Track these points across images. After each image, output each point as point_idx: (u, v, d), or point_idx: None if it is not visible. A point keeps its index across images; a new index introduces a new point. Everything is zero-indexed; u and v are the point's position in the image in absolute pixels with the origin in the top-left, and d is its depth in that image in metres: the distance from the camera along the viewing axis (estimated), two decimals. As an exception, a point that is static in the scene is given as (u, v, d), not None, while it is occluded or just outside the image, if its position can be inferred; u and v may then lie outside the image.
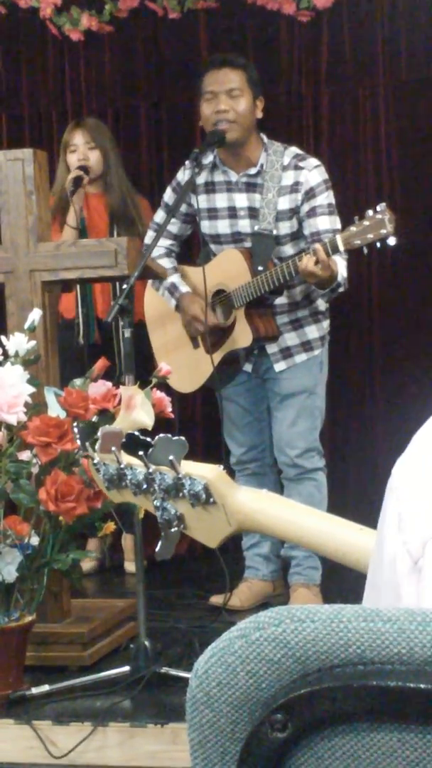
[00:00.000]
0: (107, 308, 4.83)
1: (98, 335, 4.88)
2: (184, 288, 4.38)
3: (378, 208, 3.79)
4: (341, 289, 4.07)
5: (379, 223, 3.77)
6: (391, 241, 3.78)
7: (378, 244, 3.80)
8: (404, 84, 5.58)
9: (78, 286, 4.77)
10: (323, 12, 5.52)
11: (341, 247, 3.83)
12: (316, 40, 5.63)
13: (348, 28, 5.59)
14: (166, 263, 4.40)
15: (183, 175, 4.34)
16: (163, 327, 4.55)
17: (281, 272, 4.04)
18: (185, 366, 4.40)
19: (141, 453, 1.40)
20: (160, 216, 4.45)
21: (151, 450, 1.39)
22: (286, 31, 5.64)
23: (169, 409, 3.47)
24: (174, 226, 4.42)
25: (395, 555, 0.98)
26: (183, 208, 4.35)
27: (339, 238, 3.83)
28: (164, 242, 4.41)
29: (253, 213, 4.27)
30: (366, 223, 3.79)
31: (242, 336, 4.25)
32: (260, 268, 4.16)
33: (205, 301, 4.24)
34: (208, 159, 4.30)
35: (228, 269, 4.25)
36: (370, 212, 3.79)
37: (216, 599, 4.34)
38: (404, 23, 5.52)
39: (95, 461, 1.50)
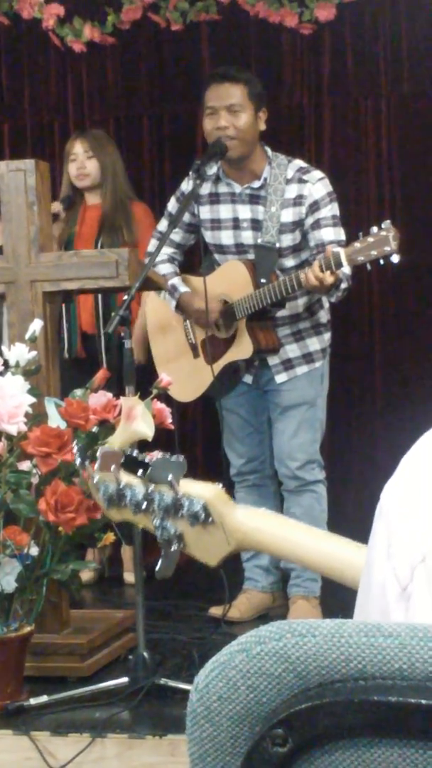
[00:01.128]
0: (91, 322, 4.87)
1: (81, 349, 4.90)
2: (183, 288, 4.39)
3: (383, 225, 3.79)
4: (344, 285, 4.05)
5: (384, 241, 3.77)
6: (395, 258, 3.78)
7: (381, 261, 3.81)
8: (406, 95, 5.60)
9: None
10: (325, 24, 5.53)
11: (345, 263, 3.83)
12: (318, 52, 5.65)
13: (350, 40, 5.61)
14: (168, 268, 4.42)
15: (187, 185, 4.34)
16: (164, 336, 4.56)
17: (284, 285, 4.04)
18: (185, 375, 4.40)
19: (140, 473, 1.40)
20: (163, 225, 4.46)
21: (149, 470, 1.39)
22: (288, 44, 5.65)
23: (170, 420, 3.47)
24: (177, 235, 4.43)
25: (384, 581, 0.98)
26: (186, 217, 4.36)
27: (342, 254, 3.83)
28: (166, 250, 4.42)
29: (255, 225, 4.27)
30: (370, 239, 3.79)
31: (243, 348, 4.26)
32: (263, 280, 4.17)
33: (206, 311, 4.24)
34: (212, 170, 4.30)
35: (231, 280, 4.26)
36: (375, 229, 3.80)
37: (215, 610, 4.33)
38: (406, 35, 5.54)
39: (95, 480, 1.50)
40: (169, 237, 4.20)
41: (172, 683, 3.38)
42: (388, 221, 3.83)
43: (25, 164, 3.77)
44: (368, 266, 3.86)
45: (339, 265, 3.84)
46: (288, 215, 4.21)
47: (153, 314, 4.61)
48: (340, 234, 4.14)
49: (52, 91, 5.95)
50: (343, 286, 4.04)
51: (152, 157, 5.87)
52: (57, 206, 4.81)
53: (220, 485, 1.40)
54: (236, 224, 4.31)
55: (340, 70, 5.65)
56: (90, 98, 5.92)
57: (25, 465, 3.31)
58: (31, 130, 5.99)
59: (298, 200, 4.20)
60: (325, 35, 5.60)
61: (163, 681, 3.38)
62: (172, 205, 4.44)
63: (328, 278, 3.85)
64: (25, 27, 5.84)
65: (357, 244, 3.82)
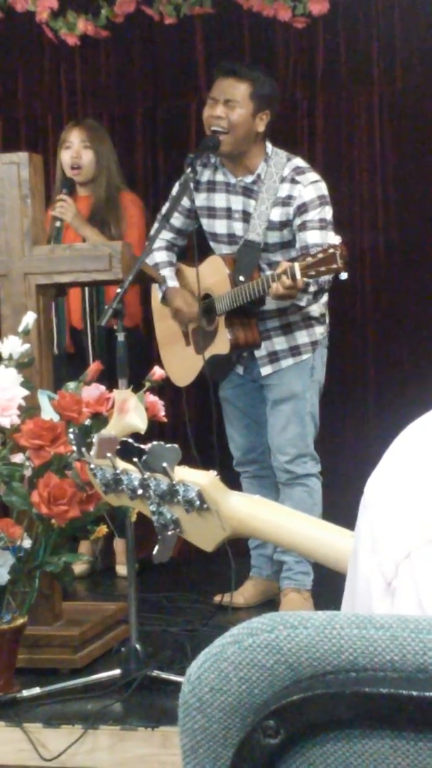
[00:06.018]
0: (80, 317, 4.85)
1: (70, 344, 4.88)
2: (171, 282, 4.43)
3: (331, 242, 3.94)
4: (312, 288, 4.07)
5: (331, 258, 3.86)
6: (343, 275, 3.88)
7: (330, 277, 3.97)
8: (399, 90, 5.59)
9: None
10: (318, 18, 5.52)
11: (298, 276, 3.88)
12: (312, 46, 5.64)
13: (343, 34, 5.60)
14: (163, 256, 4.45)
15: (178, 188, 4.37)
16: (164, 320, 4.61)
17: (257, 287, 4.09)
18: (180, 361, 4.49)
19: (135, 459, 1.41)
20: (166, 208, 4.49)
21: (145, 457, 1.40)
22: (281, 37, 5.65)
23: (162, 413, 3.48)
24: (177, 221, 4.45)
25: (369, 575, 0.98)
26: (187, 203, 4.39)
27: (297, 267, 3.89)
28: (166, 235, 4.45)
29: (246, 217, 4.30)
30: (320, 256, 3.89)
31: (221, 343, 4.31)
32: (242, 278, 4.21)
33: (198, 298, 4.27)
34: (212, 159, 4.34)
35: (211, 275, 4.31)
36: (325, 245, 3.93)
37: (219, 598, 4.34)
38: (400, 30, 5.53)
39: (92, 466, 1.51)
40: (169, 222, 4.25)
41: (164, 675, 3.39)
42: (339, 238, 3.98)
43: (18, 157, 3.77)
44: (328, 278, 3.98)
45: (294, 277, 3.90)
46: (276, 214, 4.24)
47: (155, 298, 4.65)
48: (327, 237, 4.14)
49: (46, 85, 5.94)
50: (312, 288, 4.06)
51: (145, 151, 5.86)
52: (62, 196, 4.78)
53: (215, 472, 1.41)
54: (229, 214, 4.35)
55: (334, 64, 5.64)
56: (83, 91, 5.90)
57: (18, 457, 3.32)
58: (25, 123, 5.98)
59: (287, 200, 4.22)
60: (319, 29, 5.59)
61: (155, 673, 3.39)
62: (175, 190, 4.46)
63: (280, 290, 3.91)
64: (18, 20, 5.82)
65: (309, 259, 3.90)
